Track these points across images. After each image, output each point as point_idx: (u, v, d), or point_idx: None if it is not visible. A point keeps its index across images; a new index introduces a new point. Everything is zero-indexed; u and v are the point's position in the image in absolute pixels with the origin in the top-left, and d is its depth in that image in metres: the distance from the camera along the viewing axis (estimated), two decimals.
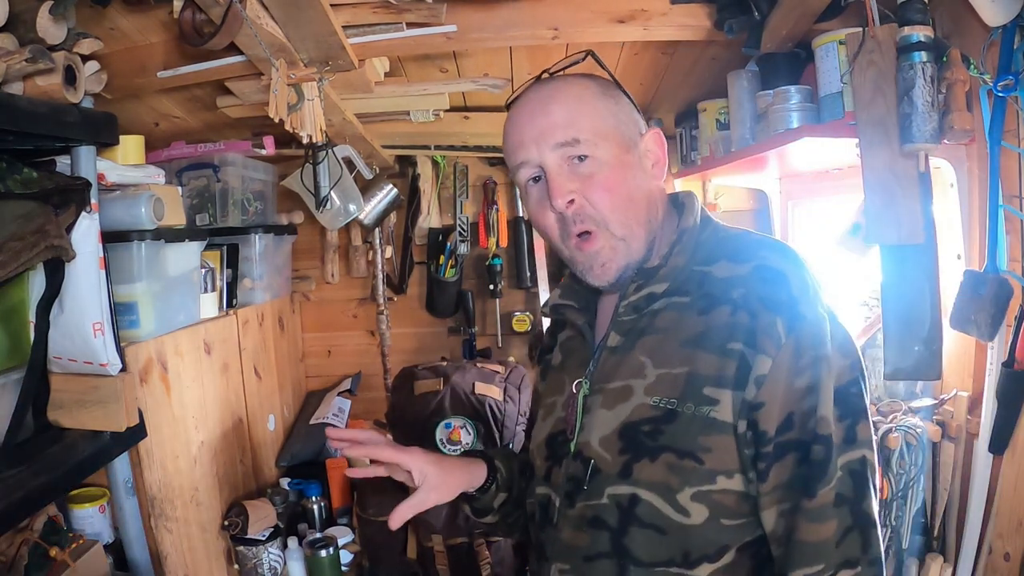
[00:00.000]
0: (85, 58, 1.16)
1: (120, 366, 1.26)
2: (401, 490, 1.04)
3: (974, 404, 1.31)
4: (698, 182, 2.34)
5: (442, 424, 1.91)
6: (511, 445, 1.93)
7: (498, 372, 2.10)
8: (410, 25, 1.44)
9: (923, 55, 1.13)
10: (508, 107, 0.94)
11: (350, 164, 2.10)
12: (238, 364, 2.00)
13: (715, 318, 0.81)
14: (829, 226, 1.87)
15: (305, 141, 1.53)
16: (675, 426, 0.81)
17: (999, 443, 1.21)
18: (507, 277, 2.57)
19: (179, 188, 1.71)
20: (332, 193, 2.03)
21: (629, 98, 0.94)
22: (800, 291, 0.81)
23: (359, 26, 1.43)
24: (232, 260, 1.99)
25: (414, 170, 2.54)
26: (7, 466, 1.09)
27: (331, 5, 1.26)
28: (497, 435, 1.93)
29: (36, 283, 1.18)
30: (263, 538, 1.82)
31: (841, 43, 1.30)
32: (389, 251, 2.59)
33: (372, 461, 1.03)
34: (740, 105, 1.72)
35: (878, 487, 0.81)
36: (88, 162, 1.23)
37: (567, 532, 0.89)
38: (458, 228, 2.54)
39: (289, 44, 1.32)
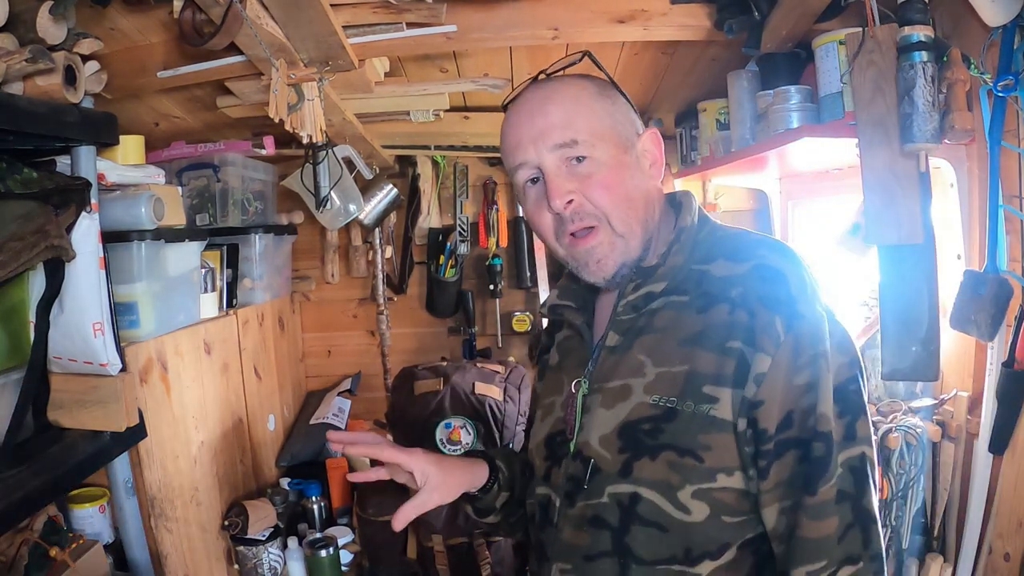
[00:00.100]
0: (85, 58, 1.16)
1: (120, 366, 1.26)
2: (401, 490, 1.04)
3: (974, 404, 1.31)
4: (698, 182, 2.34)
5: (442, 424, 1.91)
6: (511, 445, 1.93)
7: (498, 372, 2.10)
8: (410, 25, 1.44)
9: (923, 55, 1.13)
10: (505, 108, 0.94)
11: (350, 164, 2.10)
12: (238, 364, 2.00)
13: (714, 317, 0.82)
14: (829, 226, 1.87)
15: (305, 141, 1.53)
16: (675, 424, 0.81)
17: (999, 443, 1.21)
18: (507, 277, 2.57)
19: (179, 188, 1.71)
20: (332, 193, 2.03)
21: (626, 98, 0.94)
22: (798, 290, 0.81)
23: (359, 26, 1.43)
24: (232, 260, 1.99)
25: (414, 170, 2.54)
26: (7, 466, 1.09)
27: (331, 5, 1.26)
28: (497, 435, 1.93)
29: (36, 283, 1.18)
30: (263, 538, 1.82)
31: (841, 43, 1.30)
32: (389, 251, 2.59)
33: (373, 462, 1.03)
34: (740, 105, 1.72)
35: (878, 484, 0.81)
36: (88, 162, 1.23)
37: (567, 532, 0.89)
38: (458, 228, 2.54)
39: (289, 44, 1.32)
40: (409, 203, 2.55)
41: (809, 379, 0.78)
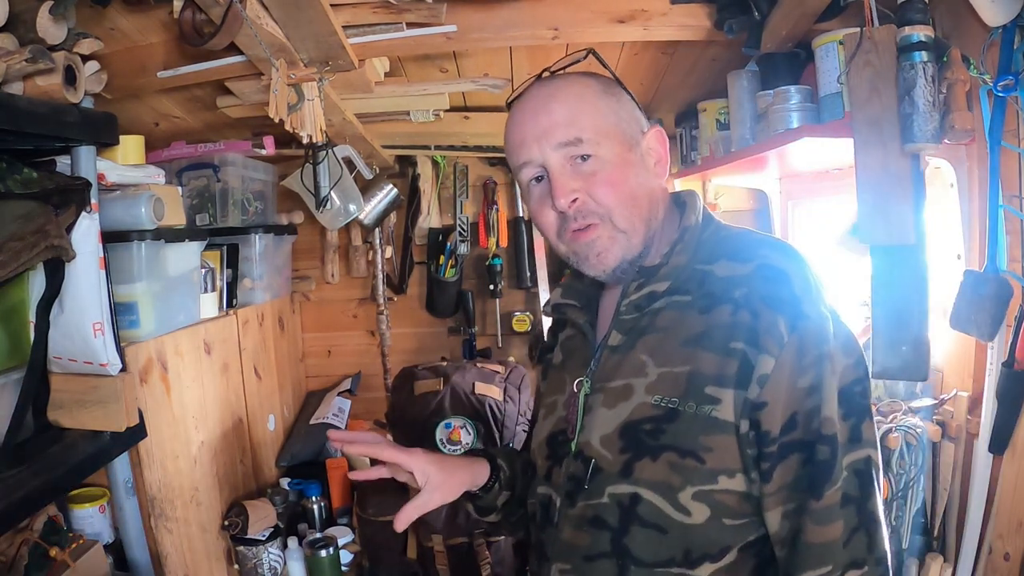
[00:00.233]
0: (85, 58, 1.16)
1: (120, 366, 1.26)
2: (401, 490, 1.04)
3: (974, 404, 1.31)
4: (698, 182, 2.34)
5: (442, 424, 1.91)
6: (511, 445, 1.93)
7: (498, 372, 2.10)
8: (410, 25, 1.44)
9: (924, 55, 1.13)
10: (509, 106, 0.94)
11: (350, 164, 2.10)
12: (238, 364, 2.00)
13: (716, 317, 0.81)
14: (829, 226, 1.87)
15: (305, 141, 1.53)
16: (676, 425, 0.80)
17: (999, 443, 1.21)
18: (507, 277, 2.57)
19: (179, 188, 1.71)
20: (332, 193, 2.03)
21: (631, 96, 0.94)
22: (802, 290, 0.80)
23: (359, 26, 1.43)
24: (232, 260, 1.99)
25: (414, 170, 2.54)
26: (7, 466, 1.09)
27: (331, 5, 1.26)
28: (497, 435, 1.93)
29: (36, 283, 1.18)
30: (263, 538, 1.82)
31: (841, 43, 1.30)
32: (389, 251, 2.59)
33: (374, 461, 1.03)
34: (740, 105, 1.72)
35: (882, 486, 0.81)
36: (88, 162, 1.23)
37: (567, 532, 0.89)
38: (458, 228, 2.54)
39: (289, 44, 1.32)
40: (409, 203, 2.55)
41: (813, 381, 0.77)
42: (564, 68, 0.93)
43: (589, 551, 0.86)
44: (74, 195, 1.18)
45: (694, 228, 0.91)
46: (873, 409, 0.83)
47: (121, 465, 1.38)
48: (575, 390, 0.92)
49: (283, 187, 2.16)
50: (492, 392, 2.00)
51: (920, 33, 1.13)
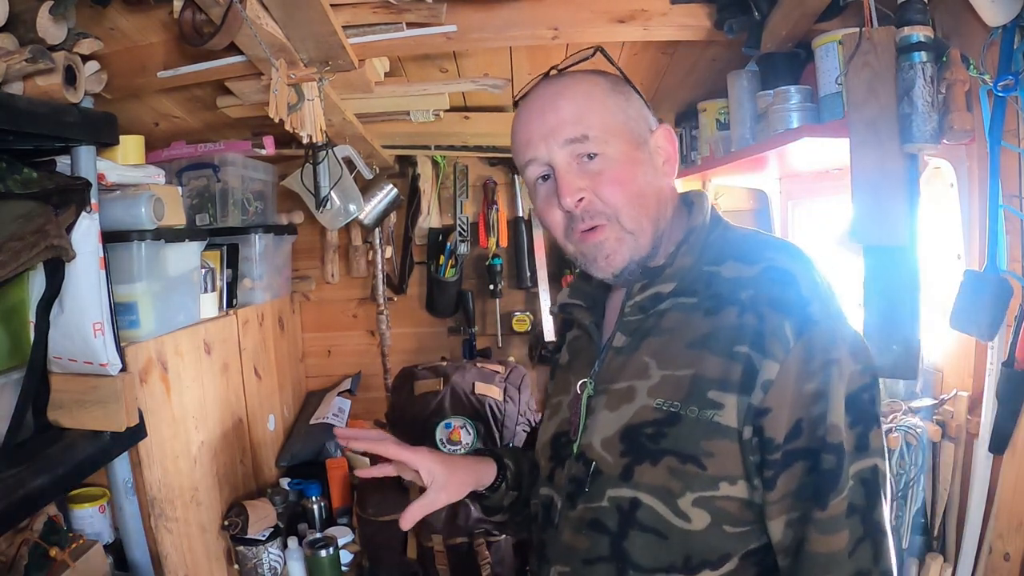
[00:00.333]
0: (85, 58, 1.16)
1: (120, 366, 1.26)
2: (401, 490, 1.04)
3: (974, 404, 1.31)
4: (698, 182, 2.33)
5: (442, 424, 1.91)
6: (511, 445, 1.93)
7: (498, 372, 2.10)
8: (410, 25, 1.44)
9: (923, 55, 1.13)
10: (516, 104, 0.93)
11: (350, 164, 2.10)
12: (238, 364, 2.00)
13: (722, 320, 0.80)
14: (829, 226, 1.87)
15: (305, 141, 1.53)
16: (678, 429, 0.79)
17: (999, 443, 1.21)
18: (507, 277, 2.57)
19: (179, 188, 1.71)
20: (332, 193, 2.03)
21: (639, 94, 0.92)
22: (810, 293, 0.79)
23: (359, 26, 1.43)
24: (232, 260, 1.99)
25: (414, 170, 2.54)
26: (7, 466, 1.09)
27: (331, 5, 1.26)
28: (497, 435, 1.93)
29: (36, 283, 1.18)
30: (263, 538, 1.82)
31: (841, 43, 1.30)
32: (389, 251, 2.59)
33: (377, 459, 1.02)
34: (740, 105, 1.72)
35: (888, 495, 0.79)
36: (88, 162, 1.23)
37: (567, 534, 0.88)
38: (458, 228, 2.54)
39: (289, 44, 1.32)
40: (409, 203, 2.55)
41: (820, 387, 0.75)
42: (571, 66, 0.92)
43: (588, 554, 0.85)
44: (74, 195, 1.18)
45: (700, 229, 0.89)
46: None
47: (121, 465, 1.38)
48: (579, 391, 0.91)
49: (283, 187, 2.16)
50: (492, 392, 2.00)
51: (919, 33, 1.13)
